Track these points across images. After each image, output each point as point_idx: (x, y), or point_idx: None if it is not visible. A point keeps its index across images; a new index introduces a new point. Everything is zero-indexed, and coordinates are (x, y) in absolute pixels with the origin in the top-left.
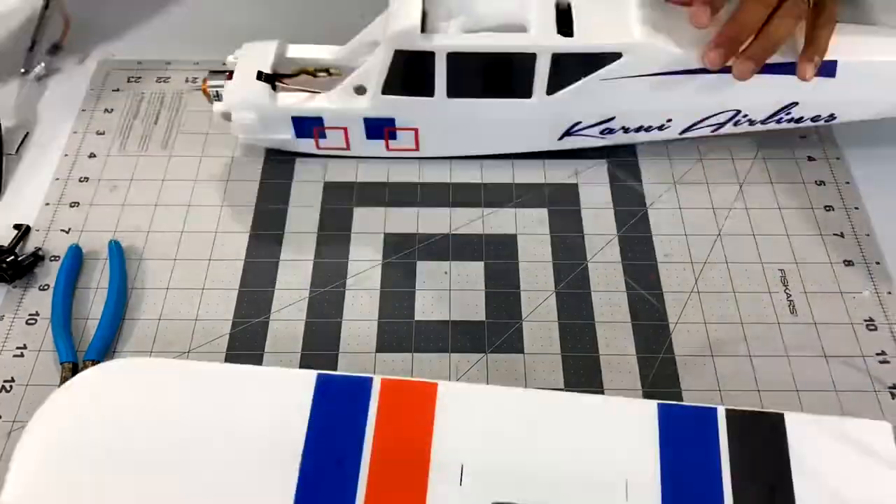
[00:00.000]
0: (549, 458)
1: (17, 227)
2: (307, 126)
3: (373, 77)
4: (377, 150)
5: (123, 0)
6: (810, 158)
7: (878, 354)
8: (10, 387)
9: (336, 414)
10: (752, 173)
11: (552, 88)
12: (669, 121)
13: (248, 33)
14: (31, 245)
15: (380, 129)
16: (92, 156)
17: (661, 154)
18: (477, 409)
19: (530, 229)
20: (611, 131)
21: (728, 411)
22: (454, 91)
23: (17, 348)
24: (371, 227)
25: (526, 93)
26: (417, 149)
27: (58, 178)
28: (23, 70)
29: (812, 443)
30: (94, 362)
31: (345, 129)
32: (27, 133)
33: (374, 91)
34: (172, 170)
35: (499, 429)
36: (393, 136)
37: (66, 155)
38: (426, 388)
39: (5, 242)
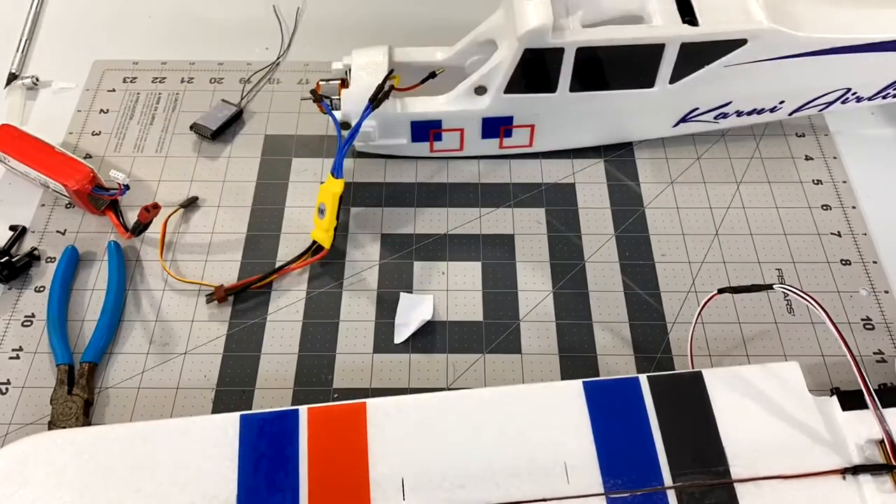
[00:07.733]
0: (485, 456)
1: (12, 227)
2: (424, 129)
3: (496, 77)
4: (490, 149)
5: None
6: (807, 157)
7: (875, 354)
8: (6, 389)
9: (266, 452)
10: (749, 172)
11: (675, 77)
12: (782, 102)
13: (243, 32)
14: (26, 246)
15: (496, 127)
16: (88, 157)
17: (658, 153)
18: (408, 420)
19: (527, 229)
20: (724, 116)
21: (650, 377)
22: (576, 86)
23: (13, 350)
24: (368, 227)
25: (649, 83)
26: (531, 145)
27: None
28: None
29: (731, 393)
30: (91, 364)
31: (461, 131)
32: None
33: (495, 91)
34: (168, 170)
35: (432, 435)
36: (508, 134)
37: None
38: (355, 408)
39: (0, 243)
